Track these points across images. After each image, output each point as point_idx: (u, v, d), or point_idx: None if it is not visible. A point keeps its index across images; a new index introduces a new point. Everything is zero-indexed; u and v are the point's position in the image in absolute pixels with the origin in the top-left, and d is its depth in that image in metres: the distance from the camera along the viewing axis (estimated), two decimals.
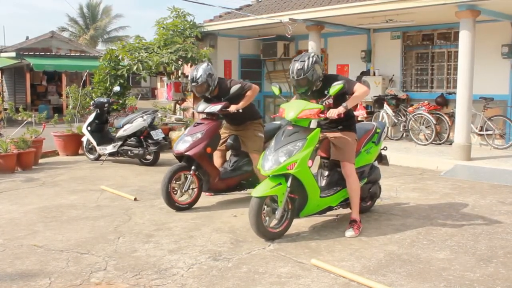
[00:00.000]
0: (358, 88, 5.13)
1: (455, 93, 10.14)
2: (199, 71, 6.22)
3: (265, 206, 4.94)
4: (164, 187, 6.01)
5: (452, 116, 11.11)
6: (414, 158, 9.65)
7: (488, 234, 5.20)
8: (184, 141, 6.18)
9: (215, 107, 6.25)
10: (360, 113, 12.31)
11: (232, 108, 6.25)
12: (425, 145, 11.27)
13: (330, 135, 5.36)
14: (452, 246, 4.84)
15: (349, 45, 13.79)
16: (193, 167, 6.15)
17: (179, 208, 6.15)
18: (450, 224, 5.56)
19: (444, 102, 11.91)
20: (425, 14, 10.75)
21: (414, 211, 6.12)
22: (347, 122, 5.34)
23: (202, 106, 6.39)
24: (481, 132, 10.84)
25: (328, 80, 5.19)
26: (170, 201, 6.08)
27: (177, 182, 6.20)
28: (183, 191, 6.20)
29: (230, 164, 6.66)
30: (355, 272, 4.16)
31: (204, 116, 6.44)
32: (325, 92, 5.12)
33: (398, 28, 12.60)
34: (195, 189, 6.29)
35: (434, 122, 11.18)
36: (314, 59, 5.15)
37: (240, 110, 6.29)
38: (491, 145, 10.75)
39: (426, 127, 11.46)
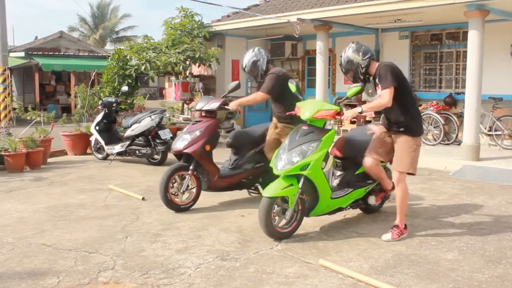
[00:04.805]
0: (382, 96, 4.89)
1: (463, 93, 10.09)
2: (245, 59, 6.20)
3: (275, 206, 4.93)
4: (162, 188, 5.94)
5: (460, 116, 11.06)
6: (422, 158, 9.48)
7: (497, 235, 5.17)
8: (182, 139, 6.14)
9: (214, 105, 6.21)
10: (368, 113, 12.28)
11: (232, 105, 6.14)
12: (433, 145, 11.23)
13: (394, 137, 5.16)
14: (461, 247, 4.82)
15: None
16: (191, 167, 6.10)
17: (179, 209, 6.11)
18: (459, 225, 5.54)
19: (452, 102, 11.87)
20: (433, 14, 10.72)
21: (422, 211, 6.10)
22: (408, 123, 5.02)
23: (200, 104, 6.34)
24: (490, 132, 10.79)
25: (378, 69, 4.98)
26: (169, 202, 6.03)
27: (175, 184, 6.12)
28: (181, 191, 6.14)
29: (230, 162, 6.58)
30: (363, 272, 4.15)
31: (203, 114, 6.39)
32: (376, 80, 4.99)
33: (407, 28, 12.57)
34: (194, 189, 6.24)
35: (443, 122, 11.14)
36: (350, 50, 5.06)
37: (238, 109, 6.23)
38: (500, 145, 10.70)
39: (434, 127, 11.42)
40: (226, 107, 6.22)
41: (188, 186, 6.15)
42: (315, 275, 4.12)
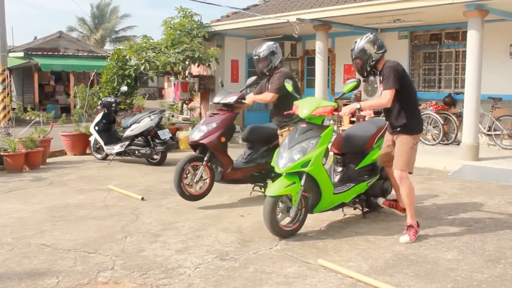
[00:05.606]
0: (382, 96, 4.93)
1: (463, 93, 10.09)
2: (263, 47, 6.17)
3: (280, 204, 4.98)
4: (176, 177, 6.07)
5: (460, 116, 11.06)
6: (422, 158, 9.55)
7: (496, 235, 5.17)
8: (199, 130, 6.27)
9: (231, 98, 6.29)
10: (367, 113, 12.29)
11: (249, 100, 6.27)
12: (432, 145, 11.23)
13: (395, 137, 5.18)
14: (460, 246, 4.82)
15: None
16: (205, 158, 6.23)
17: (191, 198, 6.25)
18: (458, 225, 5.54)
19: (452, 102, 11.87)
20: (432, 14, 10.71)
21: (422, 211, 6.09)
22: (408, 123, 5.02)
23: (218, 97, 6.42)
24: (489, 132, 10.78)
25: (383, 67, 5.01)
26: (182, 191, 6.16)
27: (189, 174, 6.25)
28: (195, 181, 6.26)
29: (244, 156, 6.71)
30: (362, 272, 4.15)
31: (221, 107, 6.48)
32: (380, 78, 5.02)
33: (406, 27, 12.57)
34: (207, 180, 6.35)
35: (442, 122, 11.14)
36: (366, 39, 5.06)
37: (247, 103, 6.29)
38: (499, 145, 10.69)
39: (433, 127, 11.41)
40: (243, 101, 6.30)
41: (201, 176, 6.27)
42: (314, 275, 4.12)
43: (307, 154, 4.92)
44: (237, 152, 7.03)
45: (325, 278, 4.05)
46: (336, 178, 5.66)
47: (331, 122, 11.82)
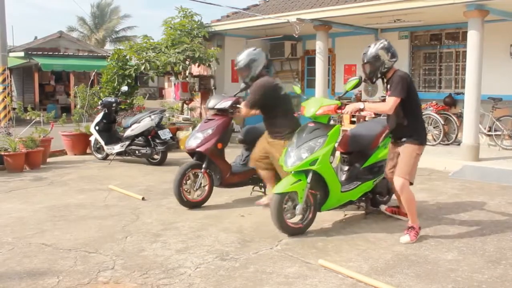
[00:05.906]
0: (387, 102, 4.94)
1: (463, 93, 10.09)
2: (242, 55, 5.92)
3: (288, 202, 5.03)
4: (176, 185, 6.06)
5: (460, 116, 11.06)
6: (422, 158, 9.37)
7: (496, 235, 5.17)
8: (195, 137, 6.23)
9: (226, 103, 6.24)
10: (367, 113, 12.28)
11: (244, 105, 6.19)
12: (433, 145, 11.22)
13: (399, 148, 5.16)
14: (460, 247, 4.82)
15: (357, 45, 13.66)
16: (204, 165, 6.20)
17: (191, 205, 6.22)
18: (458, 225, 5.54)
19: (452, 102, 11.87)
20: (433, 14, 10.71)
21: (422, 211, 6.09)
22: (411, 133, 5.05)
23: (213, 102, 6.36)
24: (490, 133, 10.79)
25: (393, 75, 5.00)
26: (182, 199, 6.14)
27: (188, 181, 6.22)
28: (195, 189, 6.24)
29: (242, 158, 6.69)
30: (363, 272, 4.15)
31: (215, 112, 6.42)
32: (389, 86, 5.02)
33: (406, 28, 12.57)
34: (206, 186, 6.33)
35: (442, 123, 11.14)
36: (381, 45, 5.01)
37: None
38: (500, 145, 10.70)
39: (434, 128, 11.42)
40: (238, 106, 6.23)
41: (201, 183, 6.25)
42: (314, 275, 4.12)
43: (315, 153, 5.00)
44: (236, 152, 7.02)
45: (326, 278, 4.05)
46: (343, 177, 5.73)
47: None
